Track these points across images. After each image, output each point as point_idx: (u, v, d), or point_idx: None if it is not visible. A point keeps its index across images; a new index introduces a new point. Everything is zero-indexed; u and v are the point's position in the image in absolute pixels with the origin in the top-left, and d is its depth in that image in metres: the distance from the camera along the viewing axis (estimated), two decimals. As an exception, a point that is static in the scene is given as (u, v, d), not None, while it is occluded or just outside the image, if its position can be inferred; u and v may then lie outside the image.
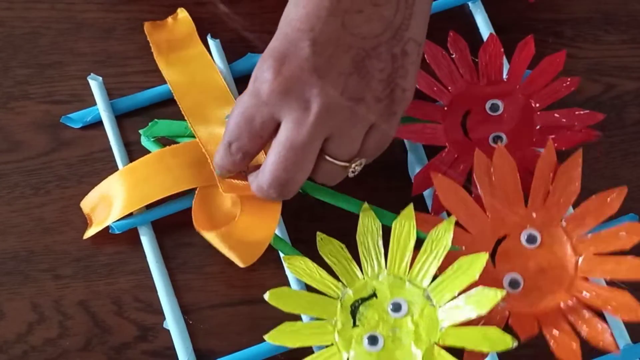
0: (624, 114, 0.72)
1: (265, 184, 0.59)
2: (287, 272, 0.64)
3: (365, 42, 0.56)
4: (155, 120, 0.66)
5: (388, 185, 0.68)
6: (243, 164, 0.61)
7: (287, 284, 0.65)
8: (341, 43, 0.55)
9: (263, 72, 0.56)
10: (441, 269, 0.61)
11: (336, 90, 0.56)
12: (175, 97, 0.67)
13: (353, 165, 0.59)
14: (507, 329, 0.61)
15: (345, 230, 0.63)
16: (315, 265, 0.62)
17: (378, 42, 0.56)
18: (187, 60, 0.69)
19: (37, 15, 0.71)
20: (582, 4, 0.75)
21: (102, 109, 0.68)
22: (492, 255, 0.64)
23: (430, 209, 0.67)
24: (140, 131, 0.67)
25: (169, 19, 0.71)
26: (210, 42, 0.70)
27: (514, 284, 0.63)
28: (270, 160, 0.58)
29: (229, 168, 0.61)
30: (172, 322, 0.64)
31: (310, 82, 0.55)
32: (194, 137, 0.66)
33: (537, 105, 0.69)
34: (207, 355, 0.64)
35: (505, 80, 0.69)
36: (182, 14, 0.71)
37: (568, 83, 0.69)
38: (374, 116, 0.57)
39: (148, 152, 0.67)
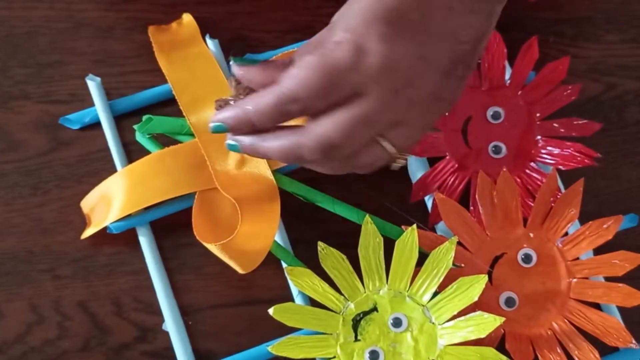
0: (625, 114, 0.72)
1: (312, 144, 0.53)
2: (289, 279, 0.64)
3: (463, 46, 0.54)
4: (150, 116, 0.66)
5: (389, 188, 0.68)
6: (279, 122, 0.54)
7: (287, 285, 0.65)
8: (446, 43, 0.53)
9: (372, 40, 0.51)
10: (441, 287, 0.62)
11: (431, 89, 0.54)
12: (174, 93, 0.67)
13: (402, 155, 0.56)
14: (501, 346, 0.62)
15: (346, 231, 0.63)
16: (318, 278, 0.62)
17: (466, 48, 0.54)
18: (189, 57, 0.69)
19: (36, 14, 0.71)
20: (583, 3, 0.75)
21: (100, 110, 0.68)
22: (489, 273, 0.65)
23: (429, 210, 0.67)
24: (135, 127, 0.66)
25: (174, 24, 0.71)
26: (209, 41, 0.70)
27: (509, 302, 0.64)
28: (332, 127, 0.53)
29: (260, 124, 0.54)
30: (171, 323, 0.64)
31: (413, 72, 0.52)
32: (190, 134, 0.66)
33: (538, 114, 0.69)
34: (207, 356, 0.64)
35: (507, 84, 0.69)
36: (187, 18, 0.71)
37: (569, 91, 0.69)
38: (438, 117, 0.56)
39: (147, 152, 0.67)
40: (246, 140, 0.56)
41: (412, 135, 0.55)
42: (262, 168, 0.65)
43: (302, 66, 0.52)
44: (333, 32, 0.53)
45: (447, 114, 0.69)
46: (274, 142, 0.55)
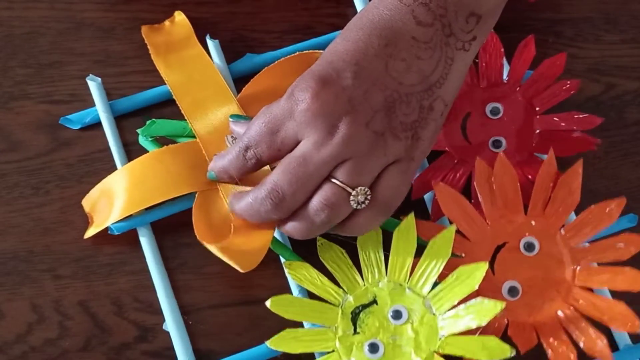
0: (624, 114, 0.72)
1: (263, 193, 0.59)
2: (287, 272, 0.64)
3: (400, 87, 0.59)
4: (153, 119, 0.66)
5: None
6: (251, 171, 0.61)
7: (287, 285, 0.65)
8: (379, 82, 0.58)
9: (301, 90, 0.58)
10: (441, 277, 0.61)
11: (363, 122, 0.58)
12: (174, 97, 0.67)
13: (357, 189, 0.59)
14: (506, 336, 0.62)
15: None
16: (317, 271, 0.62)
17: (412, 90, 0.59)
18: (186, 60, 0.69)
19: (36, 14, 0.71)
20: (582, 3, 0.75)
21: (101, 110, 0.68)
22: (492, 262, 0.64)
23: (430, 210, 0.67)
24: (138, 130, 0.67)
25: (167, 22, 0.71)
26: (209, 42, 0.70)
27: (513, 291, 0.63)
28: (277, 172, 0.59)
29: (234, 173, 0.61)
30: (172, 323, 0.64)
31: (342, 110, 0.58)
32: (193, 136, 0.66)
33: (538, 109, 0.69)
34: (207, 355, 0.64)
35: (505, 82, 0.69)
36: (180, 16, 0.71)
37: (568, 86, 0.69)
38: (392, 154, 0.59)
39: (147, 152, 0.67)
40: (228, 200, 0.63)
41: (361, 168, 0.58)
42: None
43: (254, 119, 0.60)
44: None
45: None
46: (241, 202, 0.61)
